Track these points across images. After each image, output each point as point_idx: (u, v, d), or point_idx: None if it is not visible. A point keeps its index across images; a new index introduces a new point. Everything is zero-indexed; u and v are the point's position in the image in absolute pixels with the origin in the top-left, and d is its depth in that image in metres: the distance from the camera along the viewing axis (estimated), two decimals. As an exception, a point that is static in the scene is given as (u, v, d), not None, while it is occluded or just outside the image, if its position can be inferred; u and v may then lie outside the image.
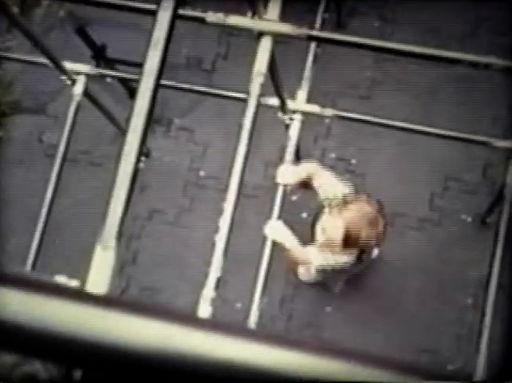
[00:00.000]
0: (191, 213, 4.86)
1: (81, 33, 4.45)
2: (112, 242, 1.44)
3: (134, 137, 1.49)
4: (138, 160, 1.47)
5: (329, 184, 3.52)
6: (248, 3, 2.50)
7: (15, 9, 4.70)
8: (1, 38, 5.01)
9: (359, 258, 3.61)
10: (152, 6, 1.75)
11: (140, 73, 1.55)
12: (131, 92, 5.00)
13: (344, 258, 3.55)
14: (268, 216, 3.36)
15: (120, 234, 1.45)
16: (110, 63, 4.62)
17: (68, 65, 3.45)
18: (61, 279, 2.13)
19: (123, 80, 4.55)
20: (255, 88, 2.43)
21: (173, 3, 1.56)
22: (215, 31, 5.07)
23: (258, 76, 2.44)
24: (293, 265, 4.29)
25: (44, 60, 3.30)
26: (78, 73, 3.50)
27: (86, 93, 3.54)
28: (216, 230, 2.35)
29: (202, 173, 4.93)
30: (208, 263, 2.33)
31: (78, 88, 3.47)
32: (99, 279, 1.42)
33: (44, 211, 3.30)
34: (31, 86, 5.12)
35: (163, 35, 1.56)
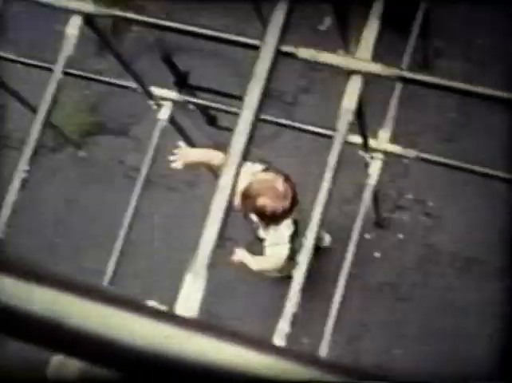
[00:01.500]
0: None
1: (167, 60, 4.55)
2: (203, 272, 1.45)
3: (230, 170, 1.50)
4: (232, 194, 1.49)
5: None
6: (341, 40, 2.51)
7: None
8: (91, 61, 5.17)
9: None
10: (256, 41, 1.77)
11: (240, 106, 1.57)
12: (211, 120, 5.08)
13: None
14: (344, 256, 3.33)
15: (211, 264, 1.46)
16: (191, 90, 4.70)
17: (156, 91, 3.52)
18: (151, 304, 2.15)
19: (203, 107, 4.61)
20: (343, 125, 2.41)
21: (277, 39, 1.58)
22: (298, 64, 5.10)
23: (347, 114, 2.43)
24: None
25: (131, 84, 3.37)
26: (164, 99, 3.56)
27: (171, 119, 3.60)
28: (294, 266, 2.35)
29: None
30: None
31: (164, 114, 3.54)
32: (187, 308, 1.42)
33: (122, 231, 3.35)
34: (116, 108, 5.24)
35: (265, 70, 1.58)
